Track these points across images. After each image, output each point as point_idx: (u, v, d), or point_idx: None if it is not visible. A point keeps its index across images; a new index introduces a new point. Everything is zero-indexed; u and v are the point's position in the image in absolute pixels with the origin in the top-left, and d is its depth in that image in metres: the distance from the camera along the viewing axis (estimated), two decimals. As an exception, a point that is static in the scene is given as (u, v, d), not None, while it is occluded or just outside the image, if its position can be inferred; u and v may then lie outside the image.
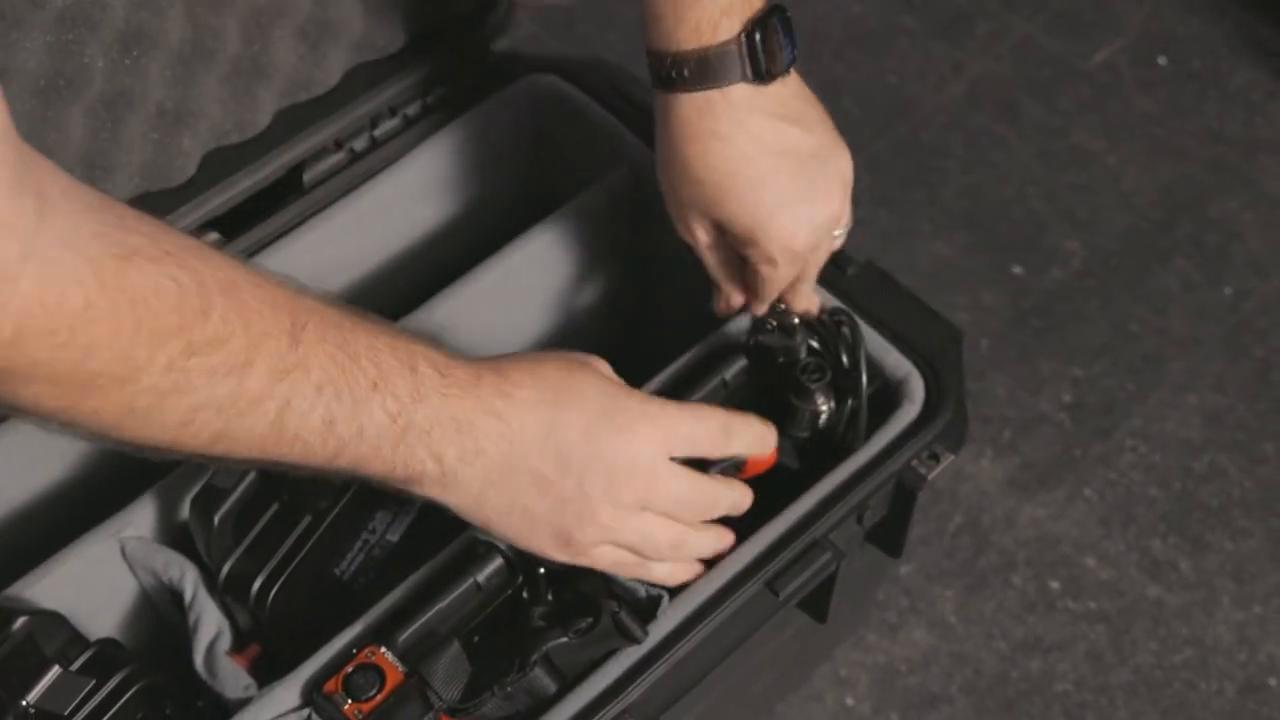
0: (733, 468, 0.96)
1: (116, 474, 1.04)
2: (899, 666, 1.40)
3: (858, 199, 1.73)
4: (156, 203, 1.05)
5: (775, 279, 0.95)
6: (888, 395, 1.03)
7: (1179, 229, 1.68)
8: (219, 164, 1.08)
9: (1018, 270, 1.65)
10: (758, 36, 0.87)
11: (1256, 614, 1.43)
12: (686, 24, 0.86)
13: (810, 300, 1.00)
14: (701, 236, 0.95)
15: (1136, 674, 1.40)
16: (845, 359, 1.01)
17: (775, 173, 0.90)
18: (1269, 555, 1.46)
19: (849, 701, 1.38)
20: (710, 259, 0.97)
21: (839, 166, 0.93)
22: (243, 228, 1.09)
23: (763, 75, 0.88)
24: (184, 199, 1.06)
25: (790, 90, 0.91)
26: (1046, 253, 1.66)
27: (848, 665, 1.39)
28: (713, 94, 0.88)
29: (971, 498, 1.49)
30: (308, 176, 1.12)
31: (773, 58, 0.88)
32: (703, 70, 0.87)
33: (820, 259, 0.97)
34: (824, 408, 1.00)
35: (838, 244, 0.98)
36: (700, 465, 0.90)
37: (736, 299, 1.00)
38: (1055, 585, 1.44)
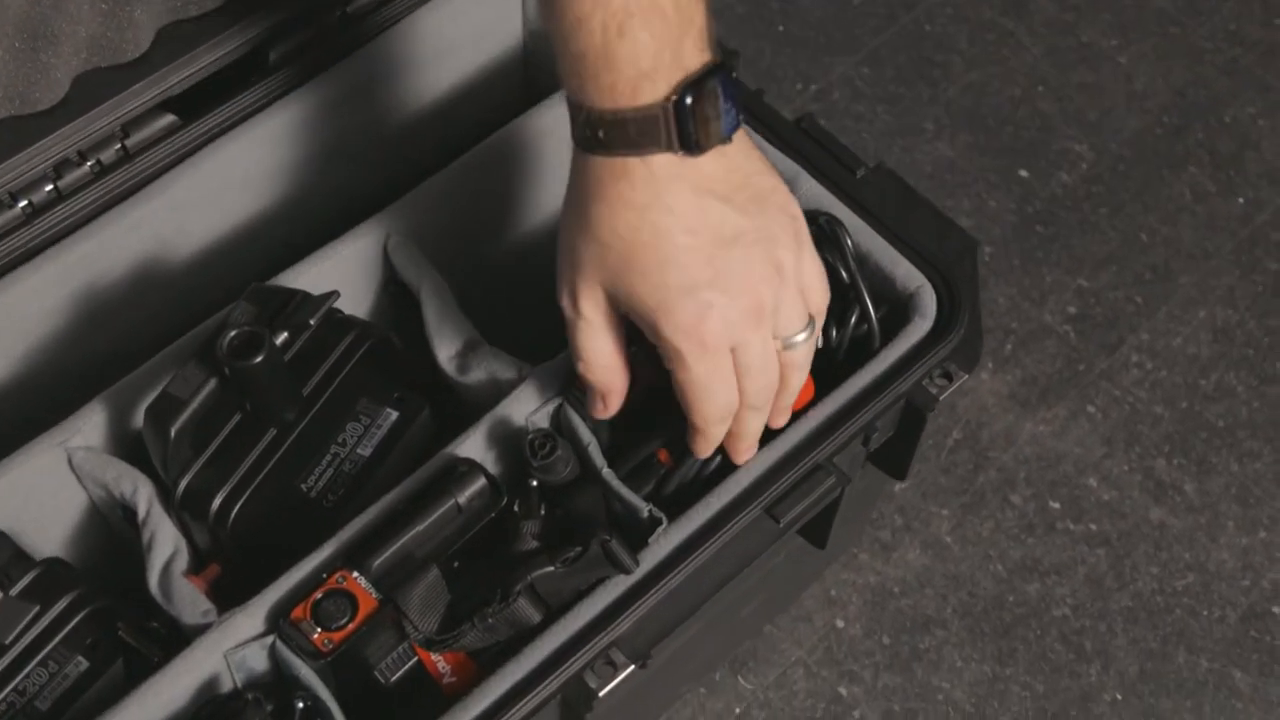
0: None
1: (62, 377, 1.02)
2: (892, 588, 1.37)
3: (858, 94, 1.67)
4: (106, 79, 1.00)
5: (692, 385, 0.82)
6: (898, 309, 1.00)
7: (1191, 135, 1.65)
8: (176, 39, 1.03)
9: (1024, 174, 1.62)
10: (688, 102, 0.75)
11: (1261, 539, 1.41)
12: (600, 83, 0.75)
13: (751, 444, 0.89)
14: (587, 308, 0.82)
15: (1136, 599, 1.37)
16: (842, 272, 0.97)
17: (686, 252, 0.78)
18: (1276, 478, 1.44)
19: (839, 623, 1.35)
20: (589, 342, 0.84)
21: (769, 254, 0.81)
22: (202, 110, 1.05)
23: (691, 147, 0.76)
24: (137, 76, 1.01)
25: (727, 162, 0.79)
26: (1054, 157, 1.62)
27: (838, 585, 1.36)
28: (631, 161, 0.77)
29: (970, 412, 1.45)
30: (273, 55, 1.07)
31: (704, 127, 0.76)
32: (619, 136, 0.76)
33: (764, 384, 0.85)
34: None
35: (798, 356, 0.85)
36: None
37: (614, 401, 0.88)
38: (1055, 506, 1.42)
